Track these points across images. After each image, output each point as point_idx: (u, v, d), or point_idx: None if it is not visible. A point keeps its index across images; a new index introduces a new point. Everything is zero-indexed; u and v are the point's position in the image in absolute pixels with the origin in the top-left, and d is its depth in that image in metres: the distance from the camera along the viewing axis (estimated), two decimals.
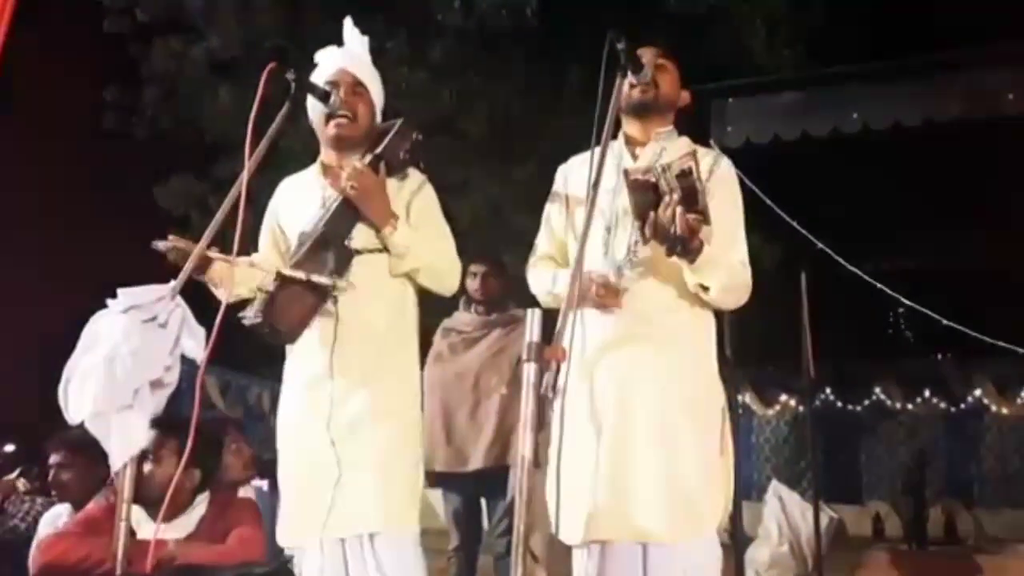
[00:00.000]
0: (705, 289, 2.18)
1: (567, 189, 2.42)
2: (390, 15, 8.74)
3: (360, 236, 2.30)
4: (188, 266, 2.00)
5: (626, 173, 2.09)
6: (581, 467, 2.18)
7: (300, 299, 2.20)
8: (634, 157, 2.34)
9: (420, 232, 2.34)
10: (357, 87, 2.38)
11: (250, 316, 2.16)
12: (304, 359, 2.34)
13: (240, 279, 2.30)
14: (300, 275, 2.16)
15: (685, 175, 1.98)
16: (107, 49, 9.70)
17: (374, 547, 2.23)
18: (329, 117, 2.35)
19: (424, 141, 2.41)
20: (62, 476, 3.29)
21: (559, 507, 2.14)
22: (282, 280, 2.17)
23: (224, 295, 2.18)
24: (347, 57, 2.42)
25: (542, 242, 2.47)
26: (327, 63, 2.43)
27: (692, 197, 1.99)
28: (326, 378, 2.26)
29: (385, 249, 2.31)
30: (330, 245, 2.24)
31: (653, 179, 2.03)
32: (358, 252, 2.29)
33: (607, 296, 2.20)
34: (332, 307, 2.26)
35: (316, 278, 2.17)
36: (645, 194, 2.04)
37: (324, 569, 2.25)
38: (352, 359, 2.27)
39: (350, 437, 2.24)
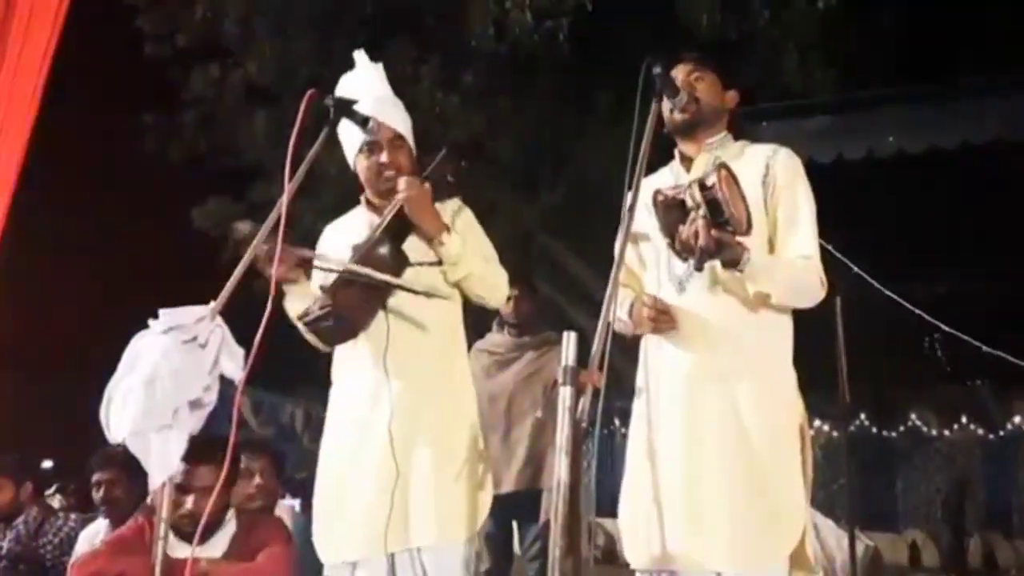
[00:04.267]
0: (767, 296, 2.12)
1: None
2: (423, 40, 8.84)
3: (412, 249, 2.33)
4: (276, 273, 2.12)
5: (655, 194, 2.08)
6: (650, 491, 2.15)
7: (359, 297, 2.26)
8: (688, 172, 2.32)
9: (468, 246, 2.37)
10: (396, 140, 2.42)
11: (314, 310, 2.22)
12: (356, 372, 2.37)
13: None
14: (366, 271, 2.22)
15: (707, 188, 1.97)
16: (147, 74, 9.92)
17: (423, 561, 2.20)
18: (379, 171, 2.41)
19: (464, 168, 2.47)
20: (110, 492, 3.34)
21: (628, 531, 2.17)
22: (343, 280, 2.24)
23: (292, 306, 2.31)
24: (378, 107, 2.41)
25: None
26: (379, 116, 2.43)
27: (717, 209, 1.97)
28: (382, 384, 2.28)
29: (436, 263, 2.34)
30: (384, 252, 2.28)
31: (680, 196, 2.03)
32: (410, 264, 2.31)
33: (659, 320, 2.16)
34: (384, 316, 2.30)
35: (379, 275, 2.22)
36: (672, 212, 2.03)
37: None
38: (406, 366, 2.29)
39: (409, 444, 2.25)
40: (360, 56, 2.51)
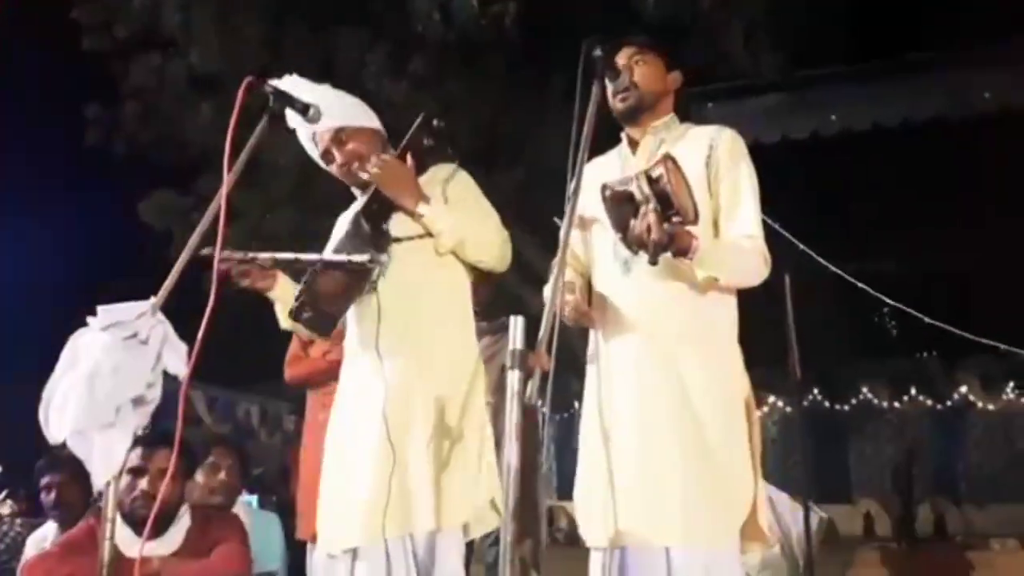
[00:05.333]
0: (715, 279, 2.15)
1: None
2: (370, 28, 8.75)
3: (399, 224, 2.30)
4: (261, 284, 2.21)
5: (603, 188, 2.09)
6: (603, 469, 2.17)
7: (339, 283, 2.22)
8: (634, 155, 2.34)
9: (459, 210, 2.32)
10: (341, 134, 2.39)
11: (295, 305, 2.21)
12: (352, 358, 2.34)
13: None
14: (337, 258, 2.20)
15: (654, 181, 1.98)
16: (86, 66, 9.67)
17: (415, 548, 2.16)
18: (346, 171, 2.40)
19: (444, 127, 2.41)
20: (61, 496, 3.28)
21: (582, 510, 2.19)
22: (322, 267, 2.21)
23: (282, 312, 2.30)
24: (315, 111, 2.33)
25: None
26: (306, 130, 2.42)
27: (666, 201, 1.99)
28: (376, 368, 2.25)
29: (427, 235, 2.29)
30: (366, 232, 2.26)
31: (628, 189, 2.04)
32: (397, 240, 2.29)
33: (579, 319, 2.22)
34: (374, 297, 2.26)
35: (354, 257, 2.18)
36: (621, 206, 2.05)
37: (365, 571, 2.18)
38: (400, 347, 2.25)
39: (404, 427, 2.20)
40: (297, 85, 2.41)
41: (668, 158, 2.02)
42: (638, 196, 2.01)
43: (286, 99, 2.17)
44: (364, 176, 2.32)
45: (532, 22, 8.42)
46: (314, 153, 2.46)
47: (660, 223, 1.97)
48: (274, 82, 2.35)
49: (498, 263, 2.37)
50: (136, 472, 2.59)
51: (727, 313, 2.27)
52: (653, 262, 2.03)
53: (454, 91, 8.73)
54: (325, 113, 2.32)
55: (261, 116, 2.14)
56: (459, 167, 2.44)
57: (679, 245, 2.05)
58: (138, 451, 2.57)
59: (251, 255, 2.30)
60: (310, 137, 2.43)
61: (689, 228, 2.06)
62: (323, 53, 8.44)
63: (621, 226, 2.05)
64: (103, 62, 9.55)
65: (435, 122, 2.40)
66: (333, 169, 2.44)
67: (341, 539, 2.24)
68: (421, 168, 2.38)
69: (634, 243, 2.03)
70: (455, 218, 2.28)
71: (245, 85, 2.03)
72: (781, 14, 8.42)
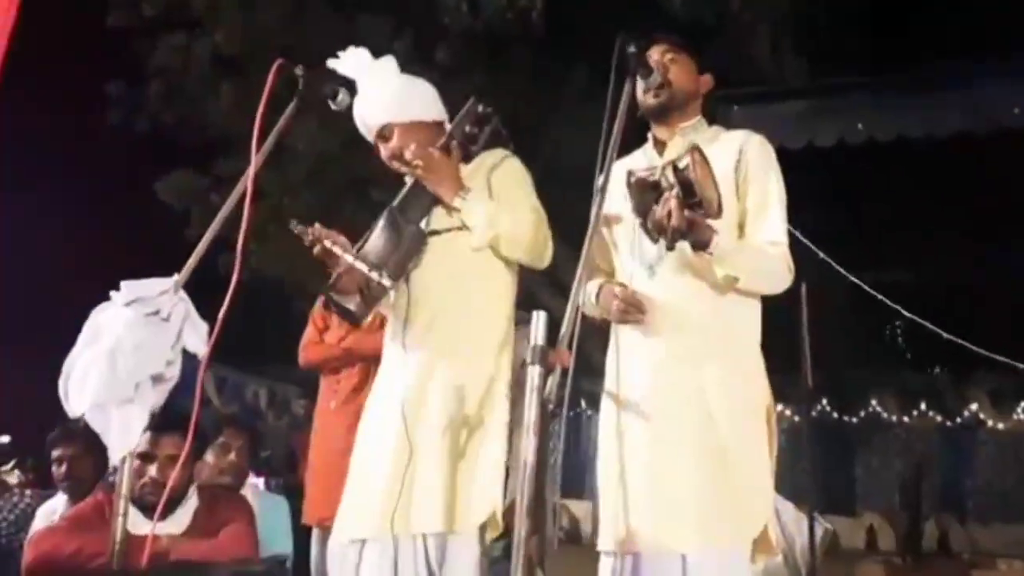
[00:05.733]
0: (735, 279, 2.11)
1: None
2: (396, 17, 8.74)
3: (438, 217, 2.27)
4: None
5: (628, 174, 2.07)
6: (620, 473, 2.14)
7: (358, 284, 2.18)
8: (661, 156, 2.29)
9: (500, 203, 2.26)
10: (386, 130, 2.34)
11: (325, 290, 2.19)
12: (387, 347, 2.31)
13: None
14: (347, 257, 2.15)
15: (679, 170, 1.96)
16: (111, 44, 9.70)
17: (427, 548, 2.11)
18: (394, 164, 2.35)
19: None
20: (72, 469, 3.28)
21: (603, 512, 2.14)
22: (348, 266, 2.17)
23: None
24: (361, 108, 2.34)
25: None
26: (364, 119, 2.37)
27: (689, 190, 1.96)
28: (401, 360, 2.23)
29: (465, 227, 2.24)
30: (401, 225, 2.22)
31: (654, 177, 2.02)
32: (436, 232, 2.25)
33: (628, 310, 2.15)
34: (406, 288, 2.23)
35: (359, 264, 2.13)
36: (645, 193, 2.03)
37: (376, 564, 2.14)
38: (426, 339, 2.21)
39: (422, 421, 2.15)
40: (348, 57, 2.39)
41: (695, 149, 1.99)
42: (663, 184, 1.99)
43: (317, 84, 2.15)
44: (404, 170, 2.30)
45: (557, 17, 8.40)
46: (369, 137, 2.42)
47: (681, 209, 1.95)
48: (337, 58, 2.34)
49: (535, 261, 2.29)
50: (144, 458, 2.58)
51: (751, 319, 2.24)
52: (670, 247, 2.01)
53: (479, 83, 8.73)
54: (370, 107, 2.31)
55: (287, 98, 2.13)
56: (510, 153, 2.37)
57: (699, 236, 2.02)
58: (147, 436, 2.55)
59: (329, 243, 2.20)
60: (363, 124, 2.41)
61: (712, 223, 2.03)
62: (347, 38, 8.43)
63: (643, 211, 2.03)
64: (128, 39, 9.58)
65: (480, 108, 2.34)
66: (365, 128, 2.39)
67: (352, 528, 2.22)
68: (467, 157, 2.33)
69: (654, 228, 2.01)
70: (490, 213, 2.22)
71: (276, 67, 2.02)
72: (807, 19, 8.38)
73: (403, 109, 2.35)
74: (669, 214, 1.95)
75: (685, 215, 1.95)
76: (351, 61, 2.35)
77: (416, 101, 2.39)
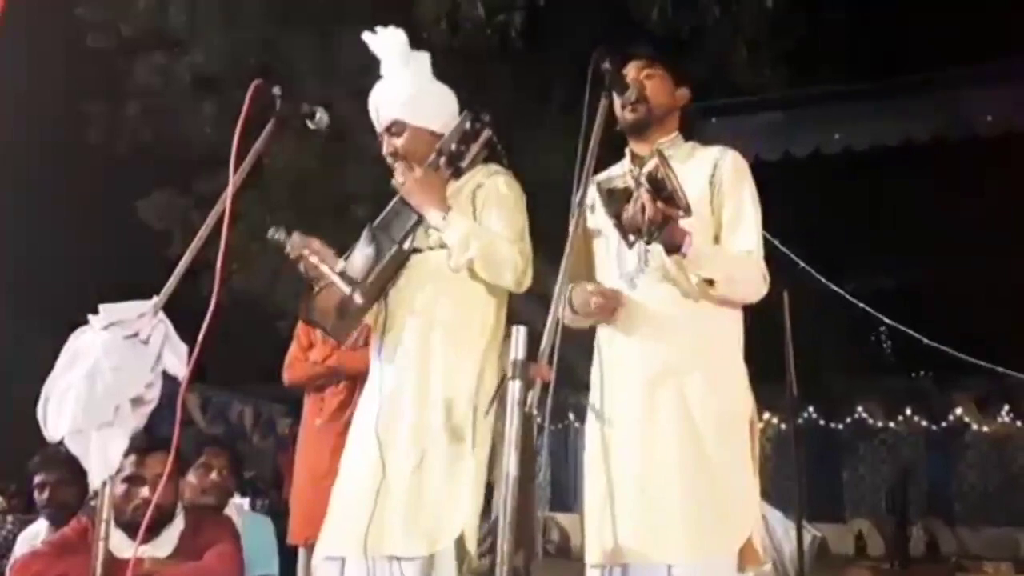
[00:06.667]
0: (710, 283, 2.12)
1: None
2: (374, 32, 8.75)
3: (422, 235, 2.28)
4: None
5: (599, 184, 2.09)
6: (606, 486, 2.15)
7: (332, 301, 2.20)
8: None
9: (480, 224, 2.26)
10: (395, 127, 2.37)
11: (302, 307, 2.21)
12: (371, 365, 2.33)
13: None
14: (326, 271, 2.14)
15: (651, 175, 1.98)
16: (90, 63, 9.66)
17: (402, 570, 2.10)
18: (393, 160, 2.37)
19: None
20: (55, 494, 3.25)
21: (588, 525, 2.15)
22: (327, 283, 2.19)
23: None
24: (378, 96, 2.39)
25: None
26: (378, 105, 2.40)
27: (659, 186, 1.97)
28: (378, 378, 2.24)
29: (445, 246, 2.24)
30: (382, 243, 2.22)
31: (623, 184, 2.03)
32: (417, 251, 2.26)
33: (606, 303, 2.17)
34: (384, 305, 2.24)
35: (336, 279, 2.13)
36: (616, 196, 2.04)
37: None
38: (404, 357, 2.21)
39: (396, 441, 2.16)
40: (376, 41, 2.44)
41: (659, 153, 2.01)
42: (632, 185, 2.00)
43: (293, 104, 2.15)
44: (397, 171, 2.31)
45: (536, 33, 8.44)
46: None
47: (654, 201, 1.96)
48: (373, 32, 2.39)
49: (512, 285, 2.26)
50: (133, 480, 2.56)
51: (733, 331, 2.25)
52: (648, 242, 2.02)
53: (458, 98, 8.76)
54: (388, 99, 2.34)
55: (266, 118, 2.13)
56: (502, 169, 2.38)
57: (673, 235, 2.03)
58: (131, 458, 2.54)
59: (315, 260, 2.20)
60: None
61: (685, 227, 2.04)
62: (327, 56, 8.46)
63: (616, 212, 2.04)
64: (107, 59, 9.55)
65: (468, 125, 2.34)
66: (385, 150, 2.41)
67: (330, 546, 2.23)
68: (457, 173, 2.33)
69: (630, 227, 2.02)
70: (465, 235, 2.22)
71: (253, 88, 2.02)
72: (784, 31, 8.46)
73: (420, 112, 2.38)
74: (643, 208, 1.96)
75: (659, 206, 1.96)
76: (386, 41, 2.40)
77: (434, 109, 2.41)
